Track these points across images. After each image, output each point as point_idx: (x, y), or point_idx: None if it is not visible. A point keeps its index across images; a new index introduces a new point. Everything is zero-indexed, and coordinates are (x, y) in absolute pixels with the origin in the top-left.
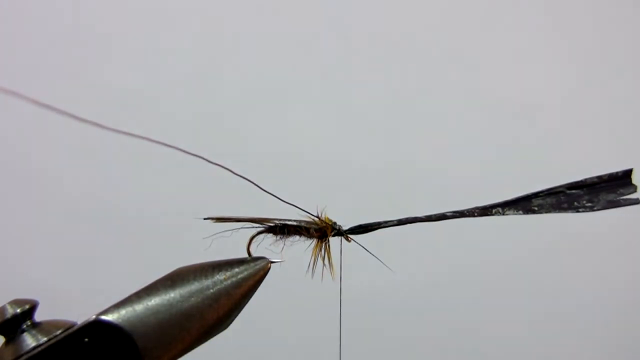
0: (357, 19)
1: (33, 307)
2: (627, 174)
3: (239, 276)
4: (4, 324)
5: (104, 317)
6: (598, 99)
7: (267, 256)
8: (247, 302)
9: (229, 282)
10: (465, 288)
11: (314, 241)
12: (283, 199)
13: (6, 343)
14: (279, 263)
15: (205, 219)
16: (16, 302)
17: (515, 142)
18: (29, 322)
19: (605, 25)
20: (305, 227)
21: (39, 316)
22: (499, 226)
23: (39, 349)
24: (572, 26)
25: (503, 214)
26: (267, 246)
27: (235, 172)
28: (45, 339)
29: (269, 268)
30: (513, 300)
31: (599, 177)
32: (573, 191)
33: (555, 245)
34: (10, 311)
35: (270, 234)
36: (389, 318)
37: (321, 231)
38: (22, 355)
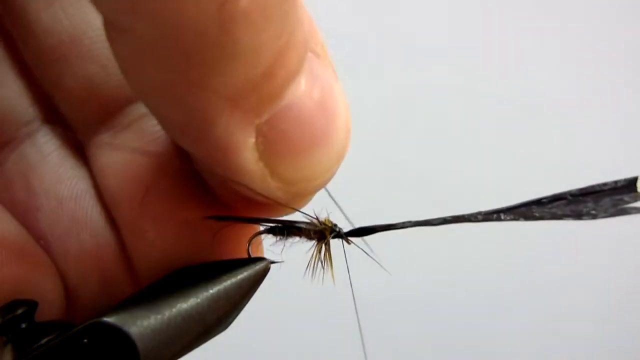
0: (356, 18)
1: (33, 307)
2: (632, 182)
3: (239, 277)
4: (4, 324)
5: (103, 318)
6: (606, 101)
7: (266, 257)
8: (246, 303)
9: (228, 282)
10: (467, 290)
11: (314, 243)
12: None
13: (5, 343)
14: (279, 264)
15: (207, 217)
16: (16, 302)
17: (519, 145)
18: (28, 323)
19: (613, 26)
20: (304, 229)
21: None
22: (500, 228)
23: (39, 349)
24: (578, 26)
25: (505, 220)
26: (267, 247)
27: None
28: (44, 339)
29: (269, 269)
30: (515, 300)
31: (603, 185)
32: (576, 198)
33: (558, 248)
34: (10, 311)
35: (270, 235)
36: (391, 319)
37: (321, 233)
38: (21, 356)
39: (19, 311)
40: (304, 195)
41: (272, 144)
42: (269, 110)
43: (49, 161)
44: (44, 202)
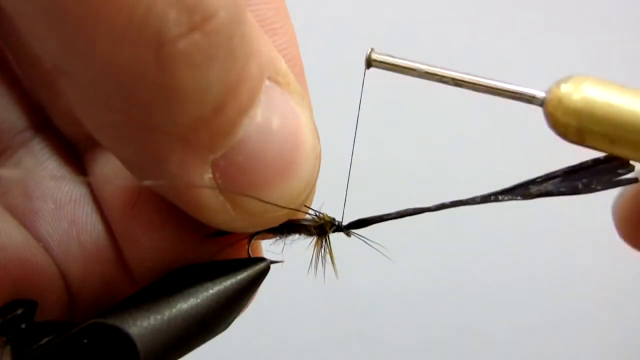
0: (356, 17)
1: (32, 307)
2: None
3: (238, 277)
4: (3, 324)
5: (103, 319)
6: None
7: (266, 256)
8: (246, 303)
9: (228, 282)
10: (468, 287)
11: (314, 239)
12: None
13: (5, 343)
14: (279, 263)
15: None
16: (16, 302)
17: (514, 140)
18: (28, 323)
19: (607, 25)
20: (304, 225)
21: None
22: (501, 223)
23: (39, 350)
24: (572, 24)
25: (503, 201)
26: (267, 247)
27: None
28: (44, 339)
29: (269, 269)
30: (517, 298)
31: (596, 159)
32: (571, 174)
33: (560, 242)
34: (10, 311)
35: (270, 233)
36: (393, 318)
37: (320, 228)
38: (21, 356)
39: (19, 311)
40: (272, 225)
41: (231, 178)
42: (223, 144)
43: (45, 167)
44: (41, 206)
